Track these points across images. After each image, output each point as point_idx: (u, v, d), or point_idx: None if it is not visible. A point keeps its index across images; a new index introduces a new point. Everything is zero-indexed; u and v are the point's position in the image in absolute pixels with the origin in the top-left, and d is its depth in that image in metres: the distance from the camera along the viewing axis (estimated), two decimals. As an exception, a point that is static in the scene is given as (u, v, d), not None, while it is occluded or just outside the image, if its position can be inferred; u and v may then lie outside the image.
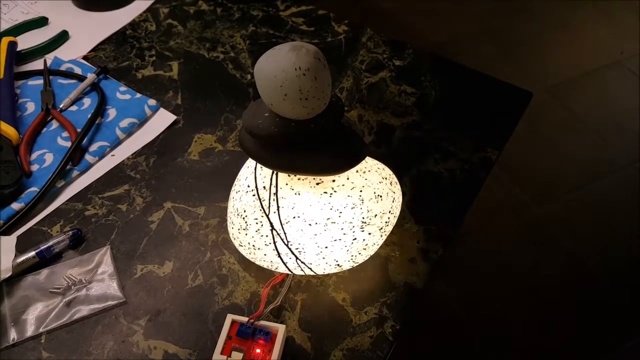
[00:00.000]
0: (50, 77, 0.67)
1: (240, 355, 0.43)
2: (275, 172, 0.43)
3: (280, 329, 0.45)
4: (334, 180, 0.44)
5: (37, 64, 0.70)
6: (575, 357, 1.17)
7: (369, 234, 0.46)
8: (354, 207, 0.44)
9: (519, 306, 1.23)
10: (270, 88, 0.37)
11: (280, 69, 0.36)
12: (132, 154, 0.61)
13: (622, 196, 1.45)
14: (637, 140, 1.58)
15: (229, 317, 0.45)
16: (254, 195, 0.45)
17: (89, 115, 0.62)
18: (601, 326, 1.21)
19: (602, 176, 1.49)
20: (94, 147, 0.60)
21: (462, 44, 1.82)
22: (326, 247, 0.45)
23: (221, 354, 0.43)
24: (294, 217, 0.44)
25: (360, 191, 0.45)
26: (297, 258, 0.45)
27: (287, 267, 0.46)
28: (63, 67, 0.68)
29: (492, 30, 1.90)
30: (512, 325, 1.20)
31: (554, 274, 1.29)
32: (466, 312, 1.22)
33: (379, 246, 0.48)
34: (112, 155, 0.61)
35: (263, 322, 0.45)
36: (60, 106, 0.64)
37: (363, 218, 0.45)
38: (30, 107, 0.64)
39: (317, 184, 0.43)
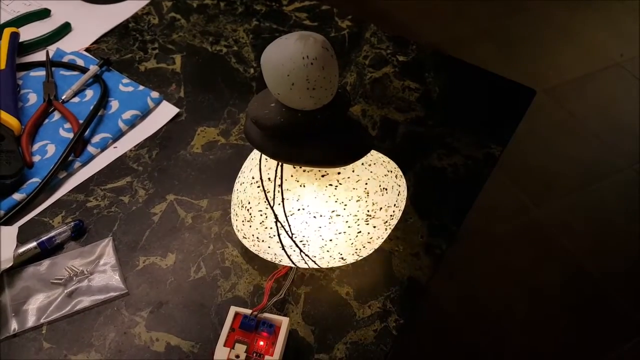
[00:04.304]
0: (53, 68, 0.67)
1: (244, 347, 0.43)
2: (280, 163, 0.43)
3: (284, 322, 0.44)
4: (339, 173, 0.44)
5: (39, 56, 0.70)
6: (574, 357, 1.17)
7: (374, 227, 0.45)
8: (359, 200, 0.44)
9: (519, 306, 1.23)
10: (277, 77, 0.36)
11: (287, 58, 0.35)
12: (135, 146, 0.61)
13: (622, 198, 1.45)
14: (637, 142, 1.58)
15: (232, 309, 0.45)
16: (258, 187, 0.44)
17: (92, 107, 0.61)
18: (600, 327, 1.21)
19: (602, 178, 1.49)
20: (96, 139, 0.60)
21: (462, 44, 1.82)
22: (330, 240, 0.44)
23: (224, 346, 0.43)
24: (299, 210, 0.43)
25: (366, 184, 0.44)
26: (301, 251, 0.45)
27: (291, 260, 0.46)
28: (65, 59, 0.68)
29: (492, 32, 1.90)
30: (512, 326, 1.20)
31: (553, 274, 1.29)
32: (466, 312, 1.22)
33: (383, 240, 0.48)
34: (114, 147, 0.61)
35: (266, 315, 0.45)
36: (63, 97, 0.64)
37: (368, 211, 0.44)
38: (33, 98, 0.64)
39: (323, 176, 0.43)
